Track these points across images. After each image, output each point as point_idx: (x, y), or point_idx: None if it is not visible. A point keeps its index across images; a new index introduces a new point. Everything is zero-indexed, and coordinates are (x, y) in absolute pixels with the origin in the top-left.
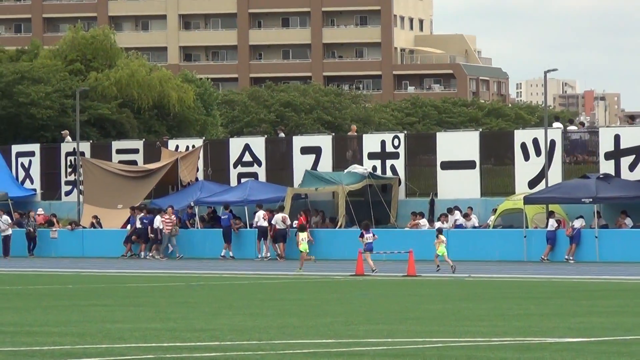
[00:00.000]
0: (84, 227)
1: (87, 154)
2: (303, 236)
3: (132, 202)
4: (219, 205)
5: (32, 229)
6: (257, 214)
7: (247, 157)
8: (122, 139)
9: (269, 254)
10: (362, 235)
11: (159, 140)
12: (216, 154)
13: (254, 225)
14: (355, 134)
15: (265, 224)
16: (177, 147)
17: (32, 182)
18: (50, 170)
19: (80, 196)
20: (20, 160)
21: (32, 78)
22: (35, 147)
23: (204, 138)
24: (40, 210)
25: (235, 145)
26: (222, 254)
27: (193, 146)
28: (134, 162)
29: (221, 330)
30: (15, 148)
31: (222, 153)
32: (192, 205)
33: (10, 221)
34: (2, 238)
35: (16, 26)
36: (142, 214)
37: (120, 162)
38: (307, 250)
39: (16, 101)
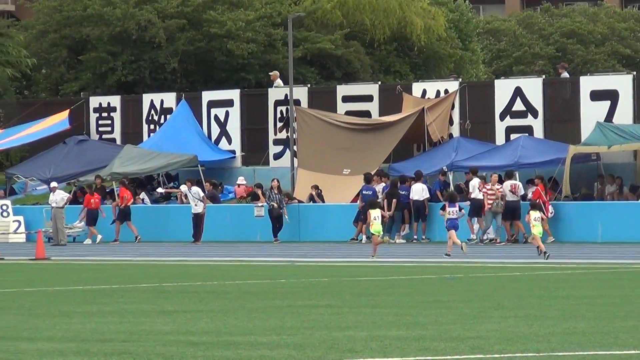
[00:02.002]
0: (299, 201)
1: (304, 103)
2: (375, 214)
3: (365, 166)
4: (481, 170)
5: (276, 204)
6: (471, 182)
7: (519, 105)
8: (350, 81)
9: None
10: (443, 208)
11: (399, 84)
12: (476, 101)
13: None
14: None
15: (481, 196)
16: (424, 92)
17: (229, 141)
18: (254, 126)
19: (295, 160)
20: (213, 112)
21: (229, 1)
22: (234, 94)
23: (460, 80)
24: (241, 179)
25: (503, 90)
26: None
27: (446, 91)
28: (367, 114)
29: (486, 339)
30: (207, 95)
31: (485, 100)
32: (446, 170)
33: (202, 194)
34: (192, 217)
35: None
36: (365, 184)
37: (347, 113)
38: (381, 232)
39: (207, 33)
